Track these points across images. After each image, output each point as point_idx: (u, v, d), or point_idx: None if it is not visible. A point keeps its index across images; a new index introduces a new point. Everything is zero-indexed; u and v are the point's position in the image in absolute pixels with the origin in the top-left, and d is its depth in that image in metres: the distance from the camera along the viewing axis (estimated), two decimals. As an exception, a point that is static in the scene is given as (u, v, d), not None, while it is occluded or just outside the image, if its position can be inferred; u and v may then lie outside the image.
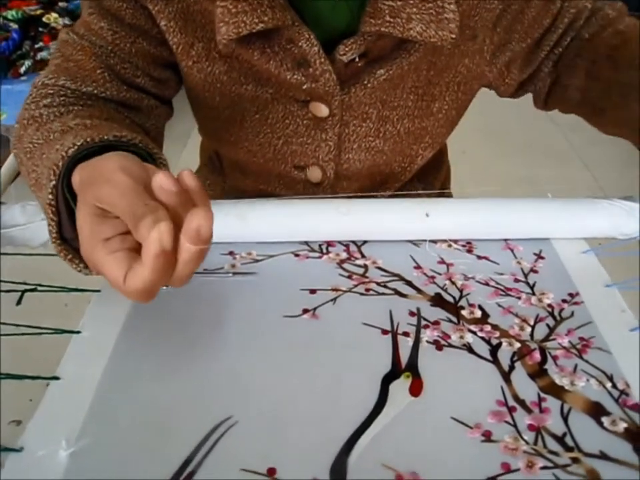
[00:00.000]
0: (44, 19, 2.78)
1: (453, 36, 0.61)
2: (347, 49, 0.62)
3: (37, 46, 2.69)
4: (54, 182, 0.49)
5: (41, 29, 2.78)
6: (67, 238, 0.52)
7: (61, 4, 2.88)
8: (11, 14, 2.71)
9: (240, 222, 0.65)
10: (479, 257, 0.65)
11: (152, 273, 0.40)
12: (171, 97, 0.77)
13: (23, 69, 2.56)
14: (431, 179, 0.91)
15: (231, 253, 0.65)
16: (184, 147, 2.63)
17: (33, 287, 0.61)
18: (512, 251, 0.66)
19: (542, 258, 0.65)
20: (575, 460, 0.45)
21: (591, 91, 0.71)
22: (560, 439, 0.46)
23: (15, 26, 2.69)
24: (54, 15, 2.82)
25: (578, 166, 2.69)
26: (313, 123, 0.71)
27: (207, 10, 0.64)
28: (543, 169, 2.63)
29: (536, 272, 0.63)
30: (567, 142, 2.89)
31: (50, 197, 0.49)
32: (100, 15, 0.66)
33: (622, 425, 0.47)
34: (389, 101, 0.71)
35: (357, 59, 0.64)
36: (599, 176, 2.53)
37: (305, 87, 0.66)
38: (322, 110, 0.69)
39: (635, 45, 0.66)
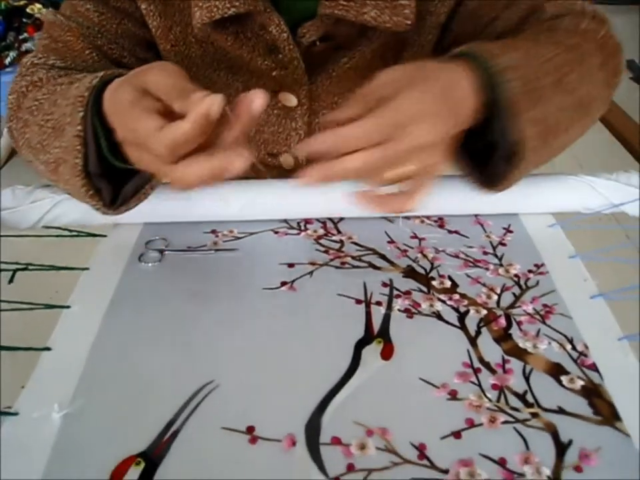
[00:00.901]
0: (28, 10, 2.78)
1: (408, 22, 0.63)
2: (305, 31, 0.65)
3: (21, 37, 2.70)
4: (82, 113, 0.51)
5: (25, 20, 2.78)
6: (90, 173, 0.54)
7: (44, -6, 2.89)
8: (-6, 5, 2.71)
9: (222, 203, 0.67)
10: (450, 232, 0.68)
11: (191, 127, 0.42)
12: None
13: (7, 60, 2.57)
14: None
15: (213, 232, 0.68)
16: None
17: (24, 266, 0.64)
18: (482, 225, 0.69)
19: (510, 232, 0.68)
20: (535, 415, 0.48)
21: None
22: (521, 397, 0.50)
23: (-1, 17, 2.70)
24: (37, 5, 2.81)
25: (565, 155, 2.70)
26: (283, 112, 0.74)
27: None
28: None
29: (504, 245, 0.66)
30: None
31: (79, 127, 0.51)
32: None
33: (579, 383, 0.51)
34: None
35: (318, 43, 0.66)
36: (585, 164, 2.56)
37: (274, 73, 0.68)
38: (291, 99, 0.72)
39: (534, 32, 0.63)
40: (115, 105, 0.48)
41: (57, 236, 0.69)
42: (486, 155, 0.59)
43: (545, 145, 0.57)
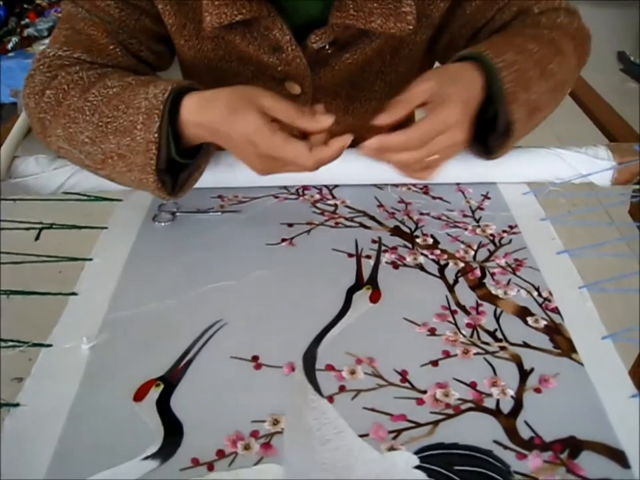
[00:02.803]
0: (29, -5, 2.83)
1: (410, 27, 0.69)
2: (317, 38, 0.71)
3: (23, 22, 2.74)
4: (158, 123, 0.61)
5: (26, 6, 2.83)
6: (160, 169, 0.64)
7: (45, -20, 2.93)
8: (-5, -9, 2.76)
9: (228, 170, 0.74)
10: (434, 197, 0.75)
11: (334, 153, 0.61)
12: (165, 69, 0.84)
13: (10, 45, 2.62)
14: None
15: (220, 196, 0.75)
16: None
17: (49, 225, 0.71)
18: (463, 192, 0.76)
19: (488, 198, 0.76)
20: (502, 348, 0.56)
21: None
22: (491, 333, 0.57)
23: (0, 3, 2.74)
24: (38, -9, 2.86)
25: (550, 140, 2.78)
26: (288, 99, 0.80)
27: None
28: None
29: (482, 209, 0.74)
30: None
31: (155, 135, 0.61)
32: None
33: (543, 323, 0.58)
34: (358, 82, 0.80)
35: (327, 47, 0.73)
36: (562, 139, 2.62)
37: (279, 68, 0.75)
38: (295, 88, 0.78)
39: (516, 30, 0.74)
40: (245, 120, 0.59)
41: (77, 200, 0.76)
42: (482, 130, 0.69)
43: (531, 120, 0.70)
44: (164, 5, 0.72)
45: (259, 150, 0.59)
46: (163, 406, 0.51)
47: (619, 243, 0.72)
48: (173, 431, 0.49)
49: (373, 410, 0.50)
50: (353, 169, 0.76)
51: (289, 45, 0.71)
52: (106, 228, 0.71)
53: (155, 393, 0.52)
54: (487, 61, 0.65)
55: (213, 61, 0.78)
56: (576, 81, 0.77)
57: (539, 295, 0.61)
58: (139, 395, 0.52)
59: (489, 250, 0.67)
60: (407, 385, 0.52)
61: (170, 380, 0.53)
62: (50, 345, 0.56)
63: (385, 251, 0.66)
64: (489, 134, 0.70)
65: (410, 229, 0.70)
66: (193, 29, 0.75)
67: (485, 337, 0.57)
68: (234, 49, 0.76)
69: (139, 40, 0.75)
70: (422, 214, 0.72)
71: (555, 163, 0.76)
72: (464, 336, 0.57)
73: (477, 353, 0.55)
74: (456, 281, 0.63)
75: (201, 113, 0.62)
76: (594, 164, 0.76)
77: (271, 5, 0.69)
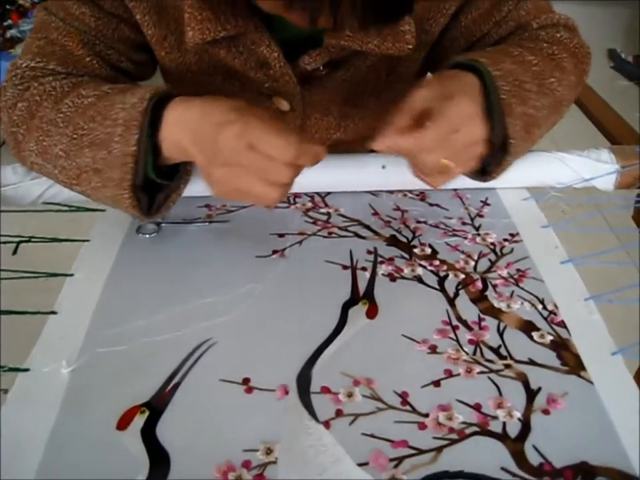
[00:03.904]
0: (11, -4, 2.79)
1: (410, 46, 0.65)
2: (311, 60, 0.67)
3: (5, 24, 2.70)
4: (137, 135, 0.56)
5: (8, 7, 2.78)
6: (137, 185, 0.59)
7: (28, -18, 2.89)
8: (-22, -8, 2.71)
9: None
10: (431, 205, 0.72)
11: (316, 152, 0.54)
12: (148, 79, 0.79)
13: (-7, 47, 2.58)
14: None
15: (207, 206, 0.72)
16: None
17: (27, 238, 0.67)
18: (461, 199, 0.74)
19: (487, 205, 0.73)
20: (507, 366, 0.53)
21: None
22: (495, 350, 0.54)
23: (-18, 5, 2.70)
24: (21, -8, 2.82)
25: (545, 141, 2.76)
26: (277, 114, 0.75)
27: (179, 5, 0.66)
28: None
29: (482, 216, 0.71)
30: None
31: (134, 148, 0.57)
32: (80, 1, 0.67)
33: (549, 338, 0.55)
34: (351, 100, 0.76)
35: (321, 68, 0.69)
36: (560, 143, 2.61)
37: (266, 85, 0.71)
38: (284, 104, 0.74)
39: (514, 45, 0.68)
40: (217, 103, 0.56)
41: (57, 211, 0.72)
42: None
43: (528, 136, 0.64)
44: (142, 15, 0.67)
45: (237, 126, 0.52)
46: (149, 434, 0.48)
47: (624, 250, 0.70)
48: (159, 462, 0.46)
49: (372, 436, 0.47)
50: (346, 175, 0.73)
51: (276, 61, 0.67)
52: (87, 241, 0.67)
53: (139, 420, 0.49)
54: (483, 68, 0.60)
55: (197, 74, 0.74)
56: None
57: (544, 307, 0.59)
58: (123, 423, 0.48)
59: (490, 260, 0.64)
60: (407, 407, 0.49)
61: (156, 406, 0.50)
62: (27, 370, 0.52)
63: (382, 262, 0.63)
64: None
65: (407, 238, 0.67)
66: (175, 40, 0.70)
67: (489, 354, 0.54)
68: (218, 63, 0.71)
69: (118, 50, 0.70)
70: (419, 222, 0.69)
71: (555, 167, 0.73)
72: (466, 353, 0.54)
73: (481, 372, 0.52)
74: (456, 294, 0.60)
75: (184, 109, 0.57)
76: (596, 167, 0.73)
77: (258, 19, 0.64)
